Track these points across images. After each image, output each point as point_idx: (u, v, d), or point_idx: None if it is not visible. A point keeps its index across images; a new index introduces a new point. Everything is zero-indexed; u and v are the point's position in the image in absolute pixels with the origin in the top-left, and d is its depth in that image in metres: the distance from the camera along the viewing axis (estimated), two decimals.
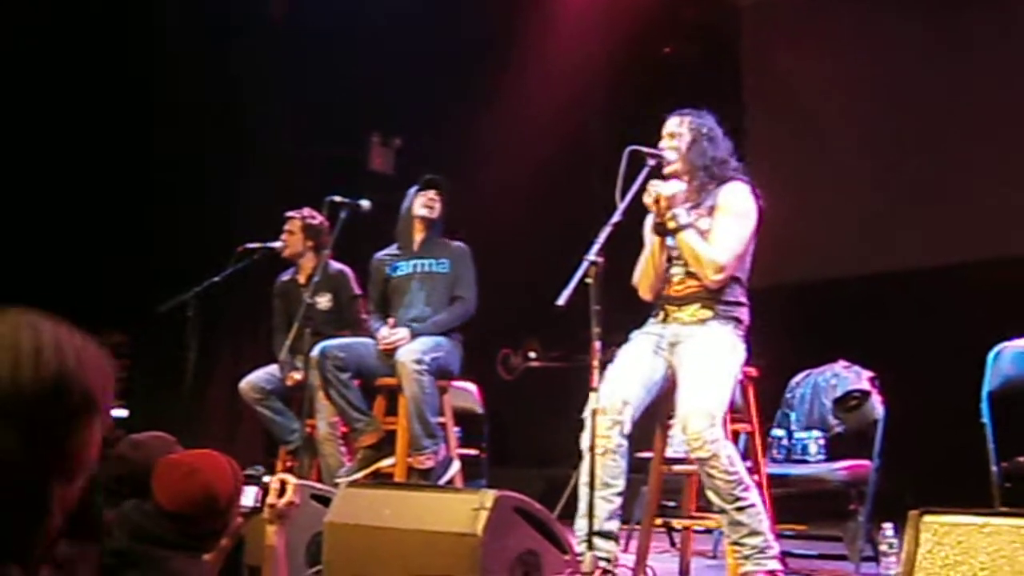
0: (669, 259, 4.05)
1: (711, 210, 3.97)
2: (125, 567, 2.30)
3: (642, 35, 8.08)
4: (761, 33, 8.05)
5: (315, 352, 4.99)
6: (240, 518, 2.80)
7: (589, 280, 3.56)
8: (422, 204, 5.25)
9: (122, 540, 2.33)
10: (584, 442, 3.73)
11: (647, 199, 3.91)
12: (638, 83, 8.16)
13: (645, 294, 4.10)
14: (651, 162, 3.90)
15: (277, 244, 5.69)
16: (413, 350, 4.85)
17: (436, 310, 5.14)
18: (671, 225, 3.92)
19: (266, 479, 2.82)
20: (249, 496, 2.80)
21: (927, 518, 2.67)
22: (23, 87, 7.24)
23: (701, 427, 3.64)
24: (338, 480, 4.74)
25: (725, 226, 3.93)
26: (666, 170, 3.99)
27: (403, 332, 4.98)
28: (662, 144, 4.03)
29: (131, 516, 2.38)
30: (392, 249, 5.35)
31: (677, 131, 4.04)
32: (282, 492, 2.79)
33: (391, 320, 5.09)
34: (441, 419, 5.09)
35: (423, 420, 4.81)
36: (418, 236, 5.29)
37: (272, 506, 2.77)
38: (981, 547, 2.56)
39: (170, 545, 2.35)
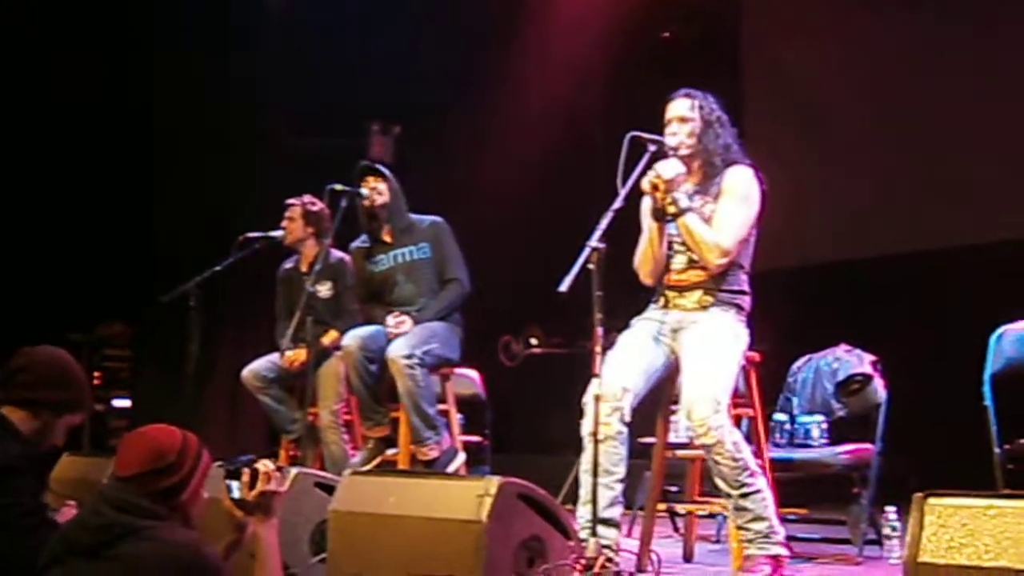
0: (670, 246, 4.04)
1: (717, 195, 3.94)
2: (118, 540, 2.34)
3: (641, 19, 8.06)
4: (761, 16, 8.04)
5: (348, 341, 4.97)
6: (238, 512, 2.81)
7: (591, 266, 3.55)
8: (367, 196, 5.11)
9: (109, 514, 2.37)
10: (585, 429, 3.74)
11: (645, 185, 3.88)
12: (637, 67, 8.15)
13: (645, 279, 4.08)
14: (652, 148, 3.87)
15: (278, 233, 5.68)
16: (404, 344, 4.79)
17: (431, 298, 5.10)
18: (671, 210, 3.87)
19: (244, 475, 2.81)
20: (234, 489, 2.81)
21: (931, 501, 2.67)
22: (25, 79, 7.24)
23: (706, 413, 3.64)
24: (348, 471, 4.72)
25: (728, 209, 3.90)
26: (681, 153, 3.93)
27: (407, 324, 4.95)
28: (670, 128, 3.99)
29: (108, 492, 2.43)
30: (366, 240, 5.24)
31: (688, 115, 3.96)
32: (253, 483, 2.79)
33: (395, 312, 5.05)
34: (443, 406, 5.09)
35: (421, 413, 4.78)
36: (384, 227, 5.16)
37: (245, 497, 2.78)
38: (986, 529, 2.56)
39: (149, 514, 2.39)
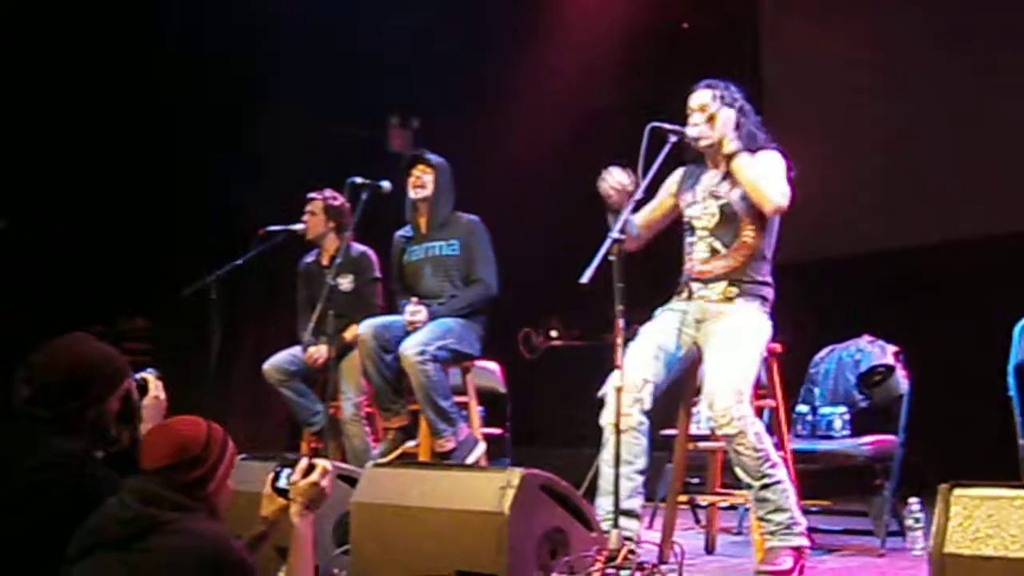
0: (692, 231, 4.03)
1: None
2: (146, 532, 2.35)
3: (659, 10, 8.03)
4: (779, 6, 8.00)
5: (363, 330, 4.98)
6: (280, 502, 2.83)
7: (612, 258, 3.56)
8: (411, 185, 5.12)
9: (136, 506, 2.38)
10: (604, 419, 3.74)
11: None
12: (656, 58, 8.12)
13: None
14: (672, 138, 3.87)
15: (299, 226, 5.69)
16: (416, 341, 4.79)
17: (456, 295, 5.09)
18: (728, 149, 3.88)
19: (303, 461, 2.84)
20: (283, 476, 2.83)
21: (957, 491, 2.66)
22: (46, 65, 7.26)
23: (728, 404, 3.64)
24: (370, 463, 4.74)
25: (770, 172, 3.88)
26: (702, 144, 3.94)
27: (423, 314, 4.95)
28: (692, 119, 3.97)
29: (135, 484, 2.44)
30: (409, 230, 5.29)
31: (710, 104, 3.97)
32: (308, 472, 2.81)
33: (414, 299, 5.06)
34: (464, 398, 5.09)
35: (435, 407, 4.79)
36: (422, 219, 5.19)
37: (294, 483, 2.80)
38: (1012, 520, 2.55)
39: (175, 506, 2.40)
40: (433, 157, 5.17)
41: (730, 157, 3.88)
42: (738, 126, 3.94)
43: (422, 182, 5.12)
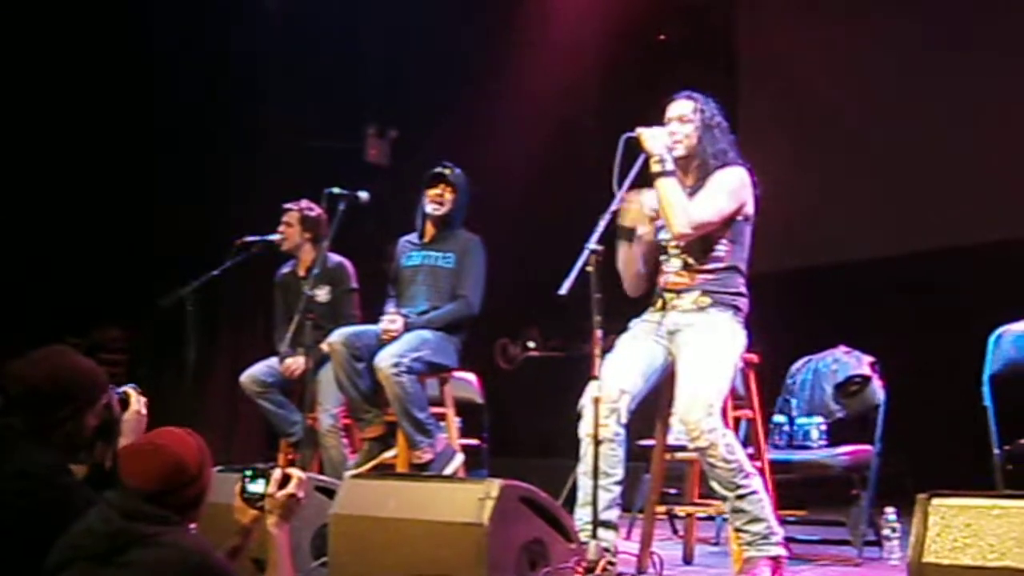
0: (665, 250, 4.04)
1: None
2: (128, 546, 2.32)
3: (636, 22, 8.06)
4: (756, 17, 8.05)
5: (334, 338, 4.97)
6: (253, 513, 2.82)
7: (590, 269, 3.56)
8: (430, 201, 5.14)
9: (118, 521, 2.35)
10: (583, 430, 3.74)
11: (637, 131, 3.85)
12: (633, 70, 8.15)
13: (630, 292, 4.09)
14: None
15: (275, 237, 5.66)
16: (391, 353, 4.78)
17: (440, 307, 5.09)
18: (656, 168, 3.85)
19: (276, 472, 2.83)
20: (254, 486, 2.82)
21: (935, 501, 2.68)
22: (23, 80, 7.22)
23: (698, 417, 3.64)
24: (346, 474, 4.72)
25: (709, 193, 3.89)
26: (674, 153, 3.93)
27: (398, 323, 4.95)
28: (670, 127, 3.96)
29: (117, 499, 2.40)
30: (414, 237, 5.30)
31: (690, 116, 3.96)
32: (284, 483, 2.80)
33: (392, 309, 5.05)
34: (442, 409, 5.08)
35: (411, 419, 4.78)
36: (430, 230, 5.22)
37: (271, 495, 2.78)
38: (990, 529, 2.56)
39: (158, 520, 2.37)
40: (456, 175, 5.18)
41: (655, 176, 3.88)
42: (707, 142, 3.95)
43: (442, 200, 5.14)
